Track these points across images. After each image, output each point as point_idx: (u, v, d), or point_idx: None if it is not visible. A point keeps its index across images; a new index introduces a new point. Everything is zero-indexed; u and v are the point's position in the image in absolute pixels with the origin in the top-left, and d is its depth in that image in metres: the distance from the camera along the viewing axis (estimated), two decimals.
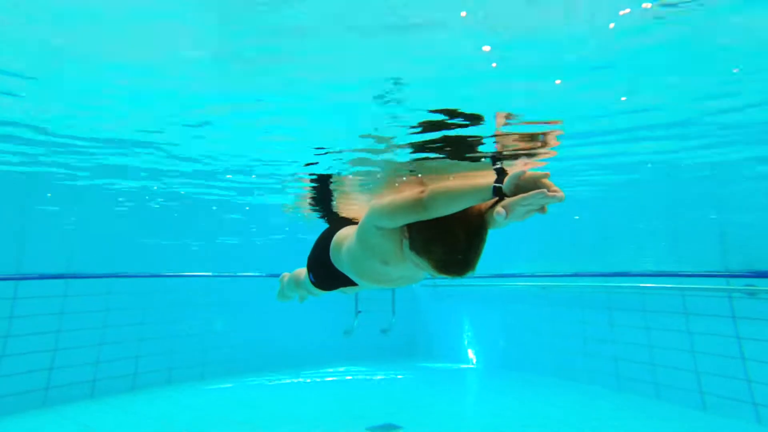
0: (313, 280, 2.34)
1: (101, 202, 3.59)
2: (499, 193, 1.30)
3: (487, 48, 1.26)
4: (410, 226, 1.52)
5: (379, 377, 6.51)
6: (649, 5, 1.06)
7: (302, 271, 2.60)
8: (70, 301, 5.36)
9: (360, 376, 6.53)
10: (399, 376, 6.60)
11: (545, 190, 1.14)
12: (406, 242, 1.55)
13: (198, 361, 6.34)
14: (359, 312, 6.65)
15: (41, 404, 4.93)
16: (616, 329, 5.46)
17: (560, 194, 1.14)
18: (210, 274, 6.46)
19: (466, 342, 7.59)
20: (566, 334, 6.06)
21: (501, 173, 2.17)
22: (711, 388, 4.50)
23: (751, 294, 4.19)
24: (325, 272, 2.20)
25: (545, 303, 6.40)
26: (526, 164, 2.24)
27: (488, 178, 1.39)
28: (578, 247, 6.51)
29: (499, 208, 1.20)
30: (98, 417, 4.62)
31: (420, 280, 2.18)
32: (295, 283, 2.68)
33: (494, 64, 1.35)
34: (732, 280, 4.35)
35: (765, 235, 4.47)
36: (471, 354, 7.48)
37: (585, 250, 6.58)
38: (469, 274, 1.43)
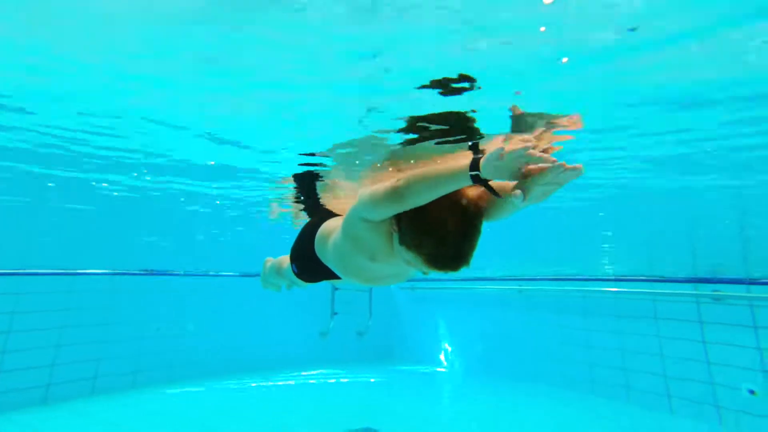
0: (296, 270, 2.24)
1: (53, 192, 3.35)
2: (477, 179, 1.21)
3: None
4: (399, 218, 1.43)
5: (355, 380, 6.40)
6: None
7: (285, 259, 2.48)
8: (23, 300, 5.00)
9: (336, 380, 6.41)
10: (376, 380, 6.51)
11: (563, 163, 1.06)
12: (395, 236, 1.45)
13: (165, 364, 6.06)
14: (335, 314, 6.53)
15: None
16: (591, 333, 5.56)
17: (579, 167, 1.06)
18: (180, 272, 6.18)
19: (443, 345, 7.58)
20: (542, 338, 6.12)
21: (476, 150, 2.01)
22: (678, 392, 4.62)
23: (717, 299, 4.33)
24: (308, 264, 2.10)
25: (522, 306, 6.45)
26: (504, 140, 1.93)
27: (466, 159, 1.30)
28: (555, 250, 6.61)
29: (516, 191, 1.11)
30: (52, 423, 4.31)
31: (405, 280, 2.10)
32: (277, 270, 2.57)
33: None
34: (699, 286, 4.49)
35: (730, 243, 4.62)
36: (448, 357, 7.47)
37: (562, 253, 6.68)
38: (464, 268, 1.35)
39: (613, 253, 5.74)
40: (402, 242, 1.41)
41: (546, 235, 5.42)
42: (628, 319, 5.16)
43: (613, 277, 5.44)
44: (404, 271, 1.86)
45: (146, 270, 5.69)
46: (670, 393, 4.67)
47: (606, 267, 5.93)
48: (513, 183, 1.17)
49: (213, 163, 2.56)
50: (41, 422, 4.33)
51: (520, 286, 6.43)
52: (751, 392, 3.78)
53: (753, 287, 4.06)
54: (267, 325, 6.72)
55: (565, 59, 1.27)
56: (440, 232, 1.31)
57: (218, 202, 3.72)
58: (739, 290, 4.19)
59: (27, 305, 5.02)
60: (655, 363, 4.81)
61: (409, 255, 1.40)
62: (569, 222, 4.37)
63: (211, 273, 6.26)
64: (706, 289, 4.41)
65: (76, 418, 4.52)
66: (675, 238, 4.66)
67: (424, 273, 1.50)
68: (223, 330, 6.52)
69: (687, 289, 4.61)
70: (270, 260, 2.72)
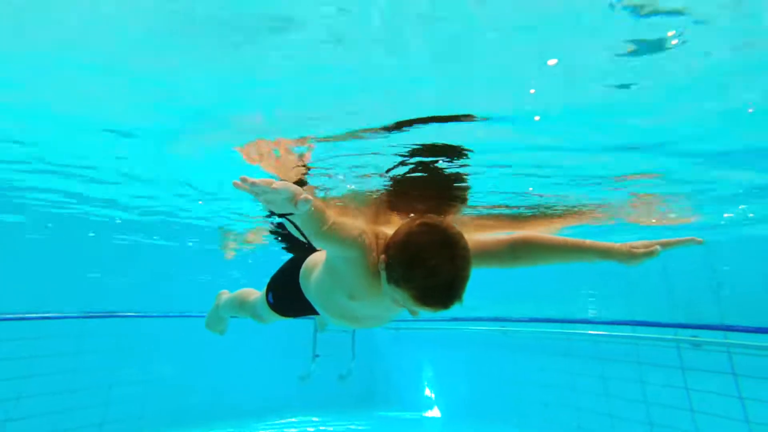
0: (271, 301, 2.13)
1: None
2: None
3: None
4: (387, 251, 1.40)
5: (337, 428, 6.09)
6: None
7: (252, 292, 2.37)
8: None
9: (315, 428, 6.08)
10: (358, 428, 6.21)
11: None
12: (383, 274, 1.41)
13: (134, 414, 5.65)
14: (316, 356, 6.31)
15: None
16: (576, 378, 5.48)
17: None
18: (144, 314, 5.83)
19: (427, 389, 7.34)
20: (527, 382, 6.00)
21: None
22: None
23: (696, 345, 4.36)
24: (288, 296, 2.02)
25: (506, 348, 6.36)
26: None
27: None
28: (538, 293, 6.63)
29: (657, 247, 1.50)
30: None
31: (387, 322, 2.05)
32: (239, 303, 2.41)
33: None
34: (680, 331, 4.53)
35: (707, 289, 4.73)
36: (433, 402, 7.22)
37: (545, 295, 6.71)
38: (456, 304, 1.30)
39: (595, 298, 5.80)
40: (390, 279, 1.37)
41: (530, 277, 5.47)
42: (611, 362, 5.13)
43: (596, 320, 5.45)
44: (387, 313, 1.82)
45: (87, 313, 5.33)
46: None
47: (590, 311, 5.97)
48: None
49: None
50: None
51: (503, 326, 6.38)
52: None
53: (730, 334, 4.12)
54: (243, 369, 6.40)
55: None
56: (431, 264, 1.27)
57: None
58: (717, 336, 4.24)
59: None
60: (641, 410, 4.74)
61: (397, 293, 1.35)
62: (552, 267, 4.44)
63: (181, 314, 5.99)
64: (686, 335, 4.46)
65: None
66: (652, 283, 4.77)
67: (413, 314, 1.46)
68: (195, 376, 6.16)
69: (668, 333, 4.64)
70: (225, 293, 2.57)
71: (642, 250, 1.52)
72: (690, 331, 4.40)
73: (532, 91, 1.27)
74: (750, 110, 1.35)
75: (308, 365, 6.17)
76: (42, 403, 4.96)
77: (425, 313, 1.37)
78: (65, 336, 5.24)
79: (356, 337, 6.90)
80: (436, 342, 7.38)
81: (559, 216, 2.24)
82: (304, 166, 1.90)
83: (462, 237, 1.37)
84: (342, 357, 6.75)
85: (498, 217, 2.27)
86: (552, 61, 1.12)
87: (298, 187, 1.15)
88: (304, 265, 1.97)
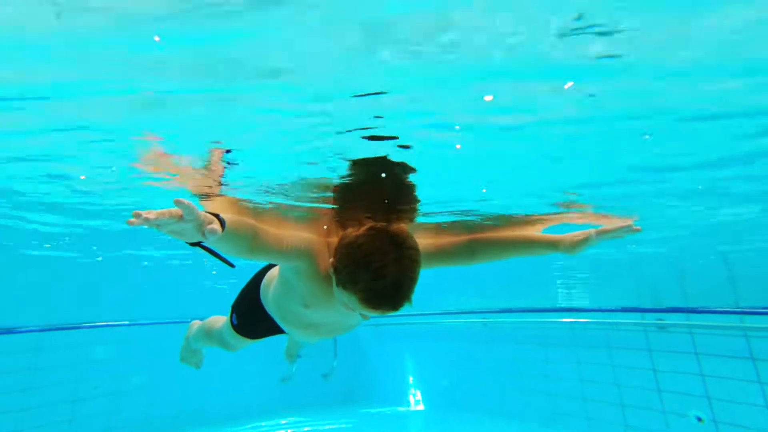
0: (235, 322, 2.10)
1: None
2: None
3: None
4: (335, 255, 1.40)
5: (320, 428, 6.08)
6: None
7: (219, 319, 2.34)
8: None
9: (299, 429, 6.06)
10: (340, 426, 6.22)
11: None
12: (333, 278, 1.40)
13: (106, 426, 5.46)
14: (298, 356, 6.27)
15: None
16: (552, 365, 5.67)
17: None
18: (113, 322, 5.64)
19: (409, 383, 7.43)
20: (506, 371, 6.17)
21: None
22: (633, 421, 4.76)
23: (662, 328, 4.59)
24: (251, 314, 1.99)
25: (486, 339, 6.51)
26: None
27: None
28: (515, 283, 6.80)
29: (592, 233, 1.64)
30: None
31: (352, 329, 2.07)
32: (206, 332, 2.38)
33: None
34: (646, 315, 4.75)
35: (673, 273, 4.97)
36: (414, 396, 7.31)
37: (521, 285, 6.89)
38: (406, 306, 1.30)
39: (567, 286, 5.99)
40: (338, 283, 1.37)
41: (503, 269, 5.59)
42: (586, 348, 5.34)
43: (568, 308, 5.65)
44: (345, 320, 1.83)
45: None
46: (627, 423, 4.80)
47: (561, 299, 6.17)
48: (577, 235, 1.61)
49: None
50: None
51: (484, 318, 6.52)
52: (699, 419, 3.97)
53: (692, 315, 4.35)
54: (221, 372, 6.30)
55: None
56: (376, 265, 1.26)
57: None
58: (679, 318, 4.48)
59: None
60: (612, 392, 4.96)
61: (345, 296, 1.35)
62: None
63: (152, 322, 5.83)
64: (652, 318, 4.68)
65: None
66: (619, 271, 4.97)
67: (364, 317, 1.49)
68: (171, 382, 6.01)
69: (635, 318, 4.86)
70: (197, 323, 2.54)
71: (579, 238, 1.63)
72: (656, 315, 4.63)
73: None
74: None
75: (290, 366, 6.12)
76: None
77: (374, 315, 1.37)
78: (23, 351, 5.00)
79: (337, 336, 6.89)
80: (417, 336, 7.47)
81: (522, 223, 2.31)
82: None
83: (410, 238, 1.38)
84: (324, 357, 6.73)
85: (454, 225, 2.29)
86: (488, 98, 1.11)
87: (206, 215, 1.07)
88: (264, 279, 1.96)
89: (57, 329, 5.12)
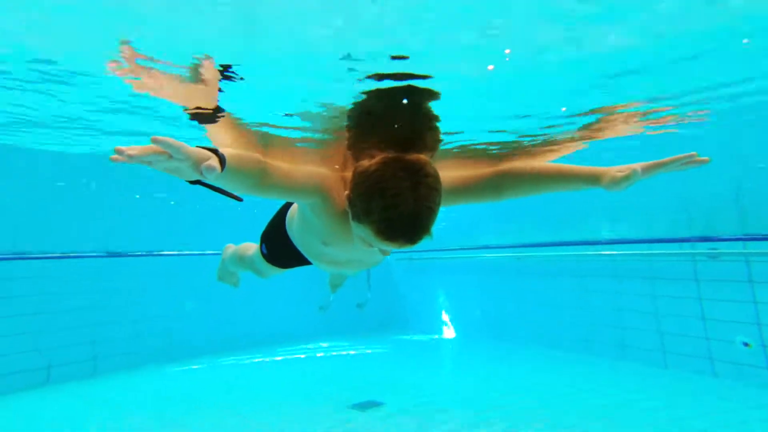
0: (264, 252, 2.09)
1: None
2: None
3: None
4: (349, 188, 1.30)
5: (356, 352, 6.48)
6: None
7: (250, 246, 2.35)
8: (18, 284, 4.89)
9: (337, 352, 6.48)
10: (377, 351, 6.60)
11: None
12: (349, 212, 1.32)
13: (165, 344, 6.05)
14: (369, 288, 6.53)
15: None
16: (588, 296, 5.65)
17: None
18: (169, 252, 6.05)
19: (441, 313, 7.68)
20: (540, 303, 6.22)
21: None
22: (672, 347, 4.76)
23: (713, 257, 4.39)
24: (279, 245, 1.97)
25: (520, 273, 6.52)
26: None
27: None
28: (551, 218, 6.63)
29: (637, 168, 1.33)
30: (53, 405, 4.30)
31: (377, 264, 2.03)
32: (239, 258, 2.41)
33: None
34: (697, 244, 4.54)
35: (725, 201, 4.66)
36: (447, 325, 7.59)
37: (558, 220, 6.72)
38: (425, 239, 1.21)
39: (610, 216, 5.77)
40: (354, 216, 1.29)
41: (541, 201, 5.40)
42: (625, 279, 5.25)
43: (609, 240, 5.49)
44: (367, 257, 1.78)
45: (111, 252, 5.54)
46: (665, 349, 4.81)
47: (604, 231, 5.98)
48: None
49: None
50: (40, 403, 4.31)
51: (518, 253, 6.48)
52: (746, 344, 3.90)
53: (749, 243, 4.11)
54: (265, 300, 6.70)
55: None
56: (390, 193, 1.17)
57: None
58: (735, 247, 4.24)
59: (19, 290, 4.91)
60: (651, 321, 4.93)
61: (361, 229, 1.26)
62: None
63: (204, 252, 6.15)
64: (703, 248, 4.47)
65: (77, 399, 4.52)
66: (670, 199, 4.69)
67: (384, 253, 1.40)
68: (221, 307, 6.48)
69: (685, 248, 4.66)
70: (231, 247, 2.56)
71: (623, 173, 1.36)
72: (708, 244, 4.41)
73: None
74: None
75: (327, 296, 6.40)
76: (78, 334, 5.30)
77: (393, 249, 1.27)
78: (85, 276, 5.49)
79: (371, 269, 7.08)
80: (450, 270, 7.58)
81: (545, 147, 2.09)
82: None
83: (428, 165, 1.26)
84: (359, 287, 6.99)
85: (476, 154, 2.11)
86: None
87: (202, 150, 0.96)
88: (289, 210, 1.90)
89: (119, 256, 5.59)
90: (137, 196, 5.51)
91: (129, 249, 5.70)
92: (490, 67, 1.33)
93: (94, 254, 5.43)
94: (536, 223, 6.82)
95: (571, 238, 5.87)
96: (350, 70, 1.28)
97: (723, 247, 4.31)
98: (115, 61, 1.35)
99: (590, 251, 5.65)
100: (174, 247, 6.06)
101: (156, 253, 5.90)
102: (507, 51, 1.27)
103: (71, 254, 5.21)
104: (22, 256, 4.88)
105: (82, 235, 5.49)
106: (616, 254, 5.35)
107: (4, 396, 4.50)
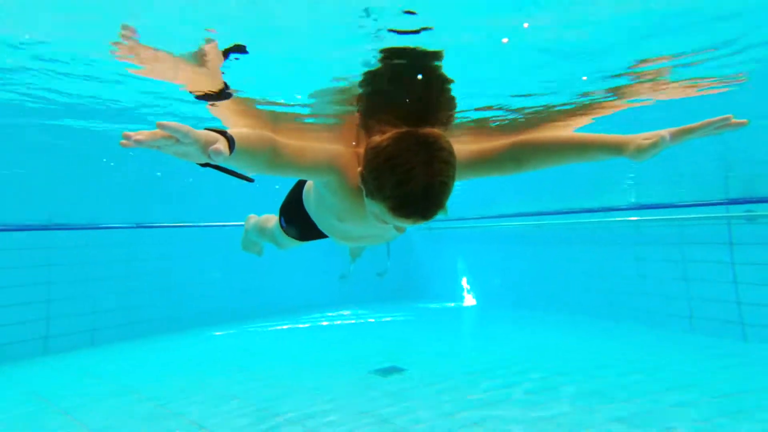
0: (283, 225, 2.11)
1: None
2: None
3: None
4: (362, 164, 1.28)
5: (377, 319, 6.63)
6: None
7: (271, 218, 2.36)
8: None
9: (358, 319, 6.64)
10: (398, 318, 6.73)
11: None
12: (363, 188, 1.30)
13: (198, 310, 6.35)
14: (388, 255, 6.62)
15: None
16: (612, 263, 5.54)
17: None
18: (200, 224, 6.27)
19: (461, 281, 7.72)
20: (560, 270, 6.16)
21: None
22: (700, 312, 4.66)
23: (750, 219, 4.19)
24: (298, 218, 1.97)
25: (539, 241, 6.43)
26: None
27: None
28: (572, 184, 6.45)
29: (665, 135, 1.18)
30: (99, 363, 4.63)
31: (393, 238, 2.00)
32: (260, 229, 2.44)
33: None
34: (731, 207, 4.34)
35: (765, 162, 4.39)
36: (467, 293, 7.64)
37: (579, 186, 6.53)
38: (439, 214, 1.18)
39: (637, 182, 5.55)
40: (367, 192, 1.26)
41: (565, 168, 5.22)
42: (649, 245, 5.11)
43: (636, 206, 5.31)
44: (382, 233, 1.75)
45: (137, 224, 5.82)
46: (693, 314, 4.72)
47: (631, 198, 5.77)
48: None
49: None
50: (89, 360, 4.64)
51: (539, 221, 6.37)
52: None
53: None
54: (289, 269, 6.88)
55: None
56: (403, 168, 1.14)
57: None
58: None
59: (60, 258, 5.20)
60: (680, 287, 4.81)
61: (374, 206, 1.24)
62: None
63: (229, 223, 6.31)
64: (739, 210, 4.27)
65: (117, 355, 4.88)
66: (706, 159, 4.44)
67: (399, 231, 1.38)
68: (248, 276, 6.69)
69: (719, 211, 4.47)
70: (253, 217, 2.58)
71: (650, 141, 1.23)
72: (744, 206, 4.21)
73: None
74: None
75: (348, 265, 6.51)
76: (115, 299, 5.62)
77: (408, 226, 1.24)
78: (117, 245, 5.81)
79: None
80: (469, 239, 7.54)
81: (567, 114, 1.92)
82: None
83: (442, 138, 1.22)
84: (379, 256, 7.06)
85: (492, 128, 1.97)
86: None
87: (210, 133, 0.95)
88: (306, 184, 1.89)
89: (147, 227, 5.91)
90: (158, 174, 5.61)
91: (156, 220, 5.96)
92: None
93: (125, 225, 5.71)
94: (554, 192, 6.66)
95: (592, 204, 5.72)
96: (364, 28, 1.20)
97: (760, 209, 4.11)
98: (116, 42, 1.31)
99: (614, 218, 5.49)
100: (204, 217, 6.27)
101: (179, 224, 6.13)
102: None
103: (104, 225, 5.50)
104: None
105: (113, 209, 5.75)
106: (641, 220, 5.18)
107: (57, 354, 4.87)
